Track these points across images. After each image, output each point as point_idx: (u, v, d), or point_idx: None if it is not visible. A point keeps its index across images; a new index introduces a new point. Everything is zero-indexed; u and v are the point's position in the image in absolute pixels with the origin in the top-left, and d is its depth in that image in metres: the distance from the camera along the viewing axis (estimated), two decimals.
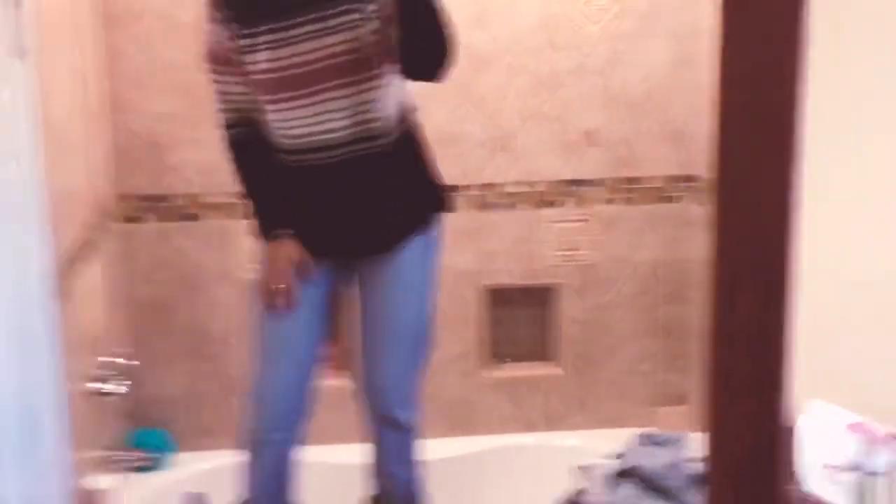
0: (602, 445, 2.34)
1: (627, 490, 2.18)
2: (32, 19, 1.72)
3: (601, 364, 2.83)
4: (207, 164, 2.42)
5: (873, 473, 1.22)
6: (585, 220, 2.71)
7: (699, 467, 2.14)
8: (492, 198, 2.66)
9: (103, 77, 2.54)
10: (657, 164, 2.68)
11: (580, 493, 2.21)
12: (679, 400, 2.72)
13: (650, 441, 2.28)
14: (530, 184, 2.67)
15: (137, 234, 2.58)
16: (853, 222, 1.26)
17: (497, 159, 2.63)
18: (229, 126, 2.07)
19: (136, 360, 2.49)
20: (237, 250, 2.57)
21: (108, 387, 2.36)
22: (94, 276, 2.39)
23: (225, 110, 2.07)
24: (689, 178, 2.64)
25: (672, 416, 2.68)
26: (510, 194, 2.67)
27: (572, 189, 2.69)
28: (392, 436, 2.14)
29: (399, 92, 2.04)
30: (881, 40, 1.19)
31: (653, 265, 2.77)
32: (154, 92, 2.51)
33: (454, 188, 2.70)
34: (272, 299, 2.05)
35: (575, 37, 2.59)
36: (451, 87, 2.22)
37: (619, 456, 2.25)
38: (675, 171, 2.66)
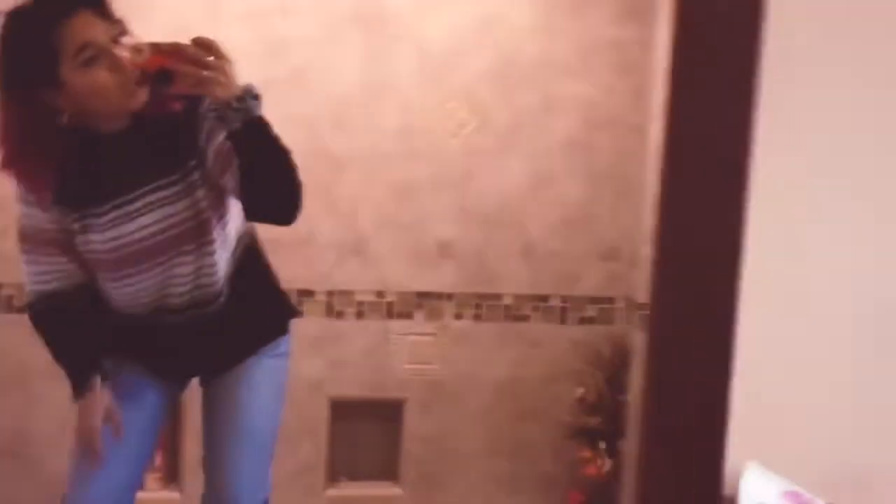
0: None
1: None
2: None
3: (444, 485, 2.84)
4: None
5: None
6: (435, 335, 2.75)
7: None
8: (341, 305, 2.72)
9: None
10: (509, 281, 2.77)
11: None
12: None
13: None
14: (380, 293, 2.72)
15: None
16: (790, 318, 1.29)
17: (348, 265, 2.70)
18: (36, 302, 2.02)
19: None
20: None
21: None
22: None
23: (37, 286, 2.00)
24: (539, 298, 2.75)
25: None
26: (360, 303, 2.73)
27: (423, 301, 2.75)
28: None
29: (230, 243, 2.04)
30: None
31: (499, 383, 2.83)
32: None
33: (304, 292, 2.69)
34: (88, 449, 1.99)
35: (434, 148, 2.69)
36: (305, 189, 2.24)
37: None
38: (526, 290, 2.75)
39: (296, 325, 2.13)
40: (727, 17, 1.20)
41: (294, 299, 2.44)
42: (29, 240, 1.97)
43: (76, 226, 1.92)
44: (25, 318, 2.45)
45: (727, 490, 1.27)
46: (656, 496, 1.29)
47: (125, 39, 1.81)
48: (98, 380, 1.99)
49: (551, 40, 2.82)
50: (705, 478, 1.25)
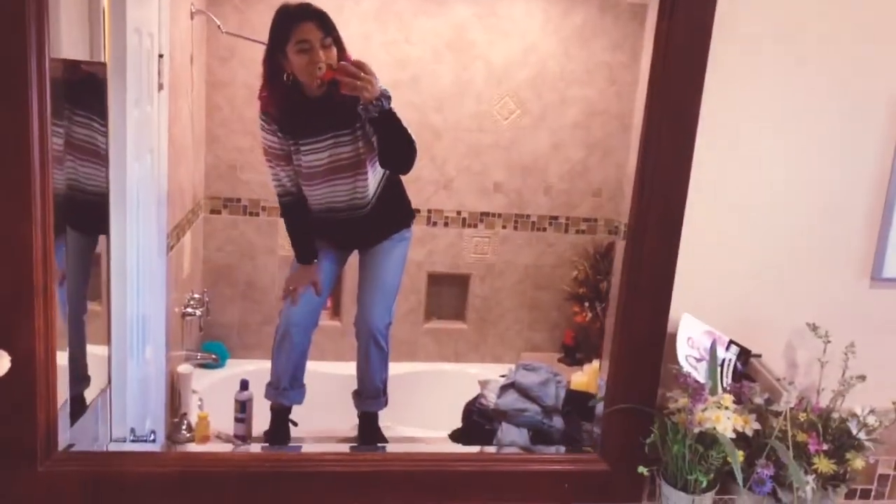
0: (491, 373, 2.70)
1: (511, 397, 2.47)
2: (168, 68, 2.26)
3: (491, 325, 3.51)
4: (264, 181, 2.88)
5: (719, 361, 1.39)
6: (489, 237, 3.42)
7: (559, 385, 2.48)
8: (435, 218, 3.38)
9: (204, 120, 3.20)
10: (535, 207, 3.42)
11: (479, 397, 2.54)
12: (537, 349, 3.48)
13: (525, 367, 2.56)
14: (459, 212, 3.40)
15: (217, 221, 3.30)
16: (728, 203, 1.48)
17: (440, 195, 3.38)
18: (280, 196, 2.53)
19: (209, 297, 3.15)
20: (278, 236, 3.25)
21: (191, 311, 2.94)
22: (188, 244, 2.93)
23: (277, 186, 2.53)
24: (552, 217, 3.42)
25: (533, 358, 3.16)
26: (446, 217, 3.40)
27: (483, 217, 3.41)
28: (376, 352, 2.63)
29: (379, 174, 2.49)
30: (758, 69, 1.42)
31: (527, 267, 3.48)
32: (234, 133, 3.22)
33: (414, 209, 2.92)
34: (288, 293, 2.60)
35: (493, 126, 3.32)
36: (419, 150, 2.49)
37: (504, 376, 2.57)
38: (545, 212, 3.43)
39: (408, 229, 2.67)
40: (683, 48, 1.31)
41: None
42: (268, 154, 2.45)
43: (292, 148, 2.40)
44: (257, 219, 3.28)
45: (670, 329, 1.43)
46: (626, 331, 1.43)
47: (328, 44, 2.24)
48: (314, 258, 2.58)
49: (568, 61, 3.33)
50: (657, 322, 1.41)
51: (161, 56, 2.12)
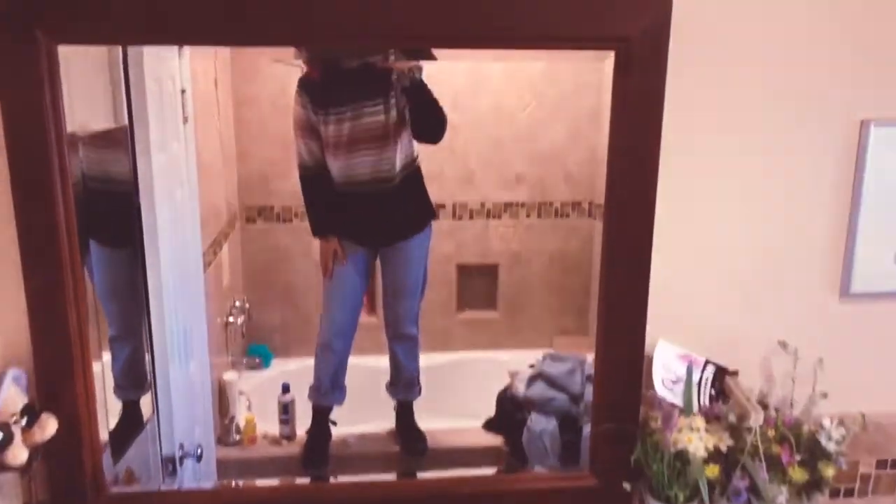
0: (523, 361, 2.76)
1: (539, 386, 2.58)
2: (191, 100, 2.25)
3: (521, 312, 3.61)
4: (294, 190, 2.81)
5: (693, 383, 1.43)
6: (514, 227, 3.54)
7: (587, 373, 2.50)
8: (460, 212, 3.50)
9: (234, 137, 3.33)
10: (556, 194, 3.52)
11: (510, 387, 2.65)
12: (567, 333, 3.57)
13: (551, 357, 2.65)
14: (483, 204, 3.51)
15: (253, 229, 3.46)
16: (696, 227, 1.49)
17: (464, 188, 3.50)
18: (302, 167, 2.62)
19: (250, 303, 3.35)
20: (312, 240, 2.97)
21: (233, 319, 3.10)
22: (227, 256, 3.08)
23: (301, 157, 2.60)
24: (575, 203, 3.53)
25: (564, 344, 3.45)
26: (471, 210, 3.52)
27: (507, 208, 3.52)
28: (405, 344, 2.80)
29: (406, 150, 2.56)
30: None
31: (552, 254, 3.57)
32: (264, 145, 3.33)
33: (439, 205, 3.33)
34: (324, 269, 2.72)
35: (511, 118, 3.41)
36: (438, 146, 2.71)
37: (533, 366, 2.65)
38: (567, 199, 3.53)
39: (435, 223, 2.79)
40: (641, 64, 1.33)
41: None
42: (297, 125, 2.55)
43: (321, 119, 2.49)
44: (290, 225, 3.39)
45: (649, 351, 1.47)
46: (608, 354, 1.46)
47: None
48: (328, 231, 2.64)
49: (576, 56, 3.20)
50: (634, 345, 1.45)
51: (183, 91, 2.21)
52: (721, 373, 1.47)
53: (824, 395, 1.47)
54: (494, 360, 3.43)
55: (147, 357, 1.96)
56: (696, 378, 1.41)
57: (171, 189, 2.05)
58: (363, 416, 2.86)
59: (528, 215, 3.56)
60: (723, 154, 1.46)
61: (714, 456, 1.34)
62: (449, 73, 3.33)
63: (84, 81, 1.53)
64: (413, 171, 2.64)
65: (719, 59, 1.40)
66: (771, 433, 1.38)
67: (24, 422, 1.24)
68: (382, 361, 2.92)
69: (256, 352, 3.44)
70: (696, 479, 1.32)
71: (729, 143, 1.47)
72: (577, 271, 3.61)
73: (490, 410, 2.69)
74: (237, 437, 2.89)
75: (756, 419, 1.33)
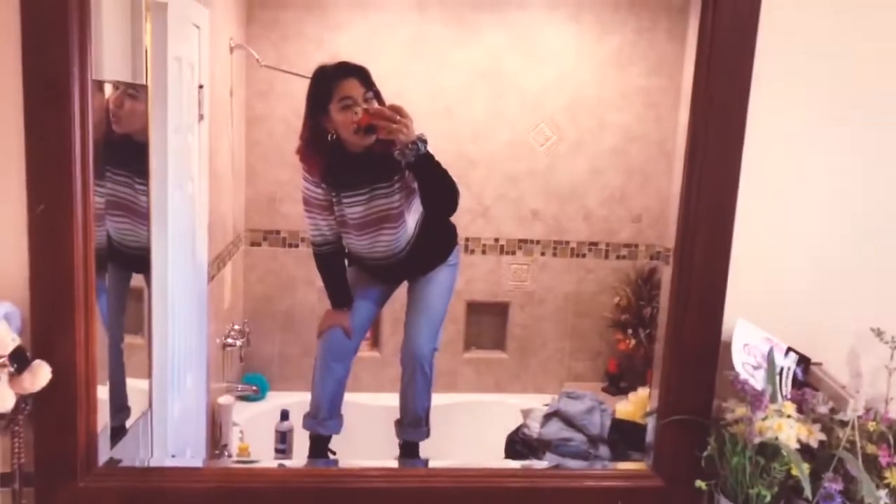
0: (533, 403, 2.74)
1: (555, 426, 2.48)
2: (207, 99, 2.28)
3: (532, 353, 3.52)
4: (302, 213, 2.64)
5: (777, 369, 1.36)
6: (528, 265, 3.45)
7: (604, 413, 2.47)
8: (473, 246, 3.42)
9: (244, 154, 3.27)
10: (573, 233, 3.45)
11: (522, 427, 2.53)
12: (580, 379, 3.50)
13: (568, 395, 2.57)
14: (497, 239, 3.42)
15: (256, 253, 3.39)
16: (783, 205, 1.45)
17: (477, 222, 3.42)
18: (318, 245, 2.57)
19: (250, 328, 3.22)
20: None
21: (231, 342, 2.97)
22: (228, 275, 2.99)
23: (317, 236, 2.56)
24: (592, 243, 3.44)
25: (576, 388, 3.01)
26: (484, 245, 3.43)
27: (522, 244, 3.43)
28: (420, 379, 2.62)
29: (419, 209, 2.48)
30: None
31: (567, 294, 3.49)
32: (273, 166, 3.29)
33: None
34: (319, 332, 2.63)
35: (529, 153, 3.36)
36: (455, 179, 2.48)
37: (548, 405, 2.56)
38: (584, 238, 3.46)
39: None
40: (728, 44, 1.30)
41: None
42: (308, 204, 2.50)
43: (334, 200, 2.46)
44: (296, 250, 3.30)
45: (724, 337, 1.42)
46: (678, 341, 1.41)
47: (370, 98, 2.29)
48: (347, 303, 2.60)
49: (604, 87, 3.35)
50: (710, 329, 1.40)
51: (201, 87, 2.15)
52: (804, 362, 1.34)
53: None
54: (502, 403, 3.37)
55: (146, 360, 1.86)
56: (777, 365, 1.30)
57: (182, 181, 1.96)
58: (365, 453, 2.67)
59: (542, 253, 3.48)
60: (814, 130, 1.39)
61: (801, 454, 1.19)
62: (467, 107, 3.32)
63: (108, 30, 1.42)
64: (430, 218, 2.58)
65: (813, 29, 1.36)
66: (872, 427, 1.22)
67: (13, 367, 1.06)
68: (385, 400, 2.85)
69: (253, 381, 3.34)
70: (782, 476, 1.15)
71: (820, 119, 1.38)
72: (592, 315, 3.53)
73: (498, 454, 2.54)
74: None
75: (856, 407, 1.19)
